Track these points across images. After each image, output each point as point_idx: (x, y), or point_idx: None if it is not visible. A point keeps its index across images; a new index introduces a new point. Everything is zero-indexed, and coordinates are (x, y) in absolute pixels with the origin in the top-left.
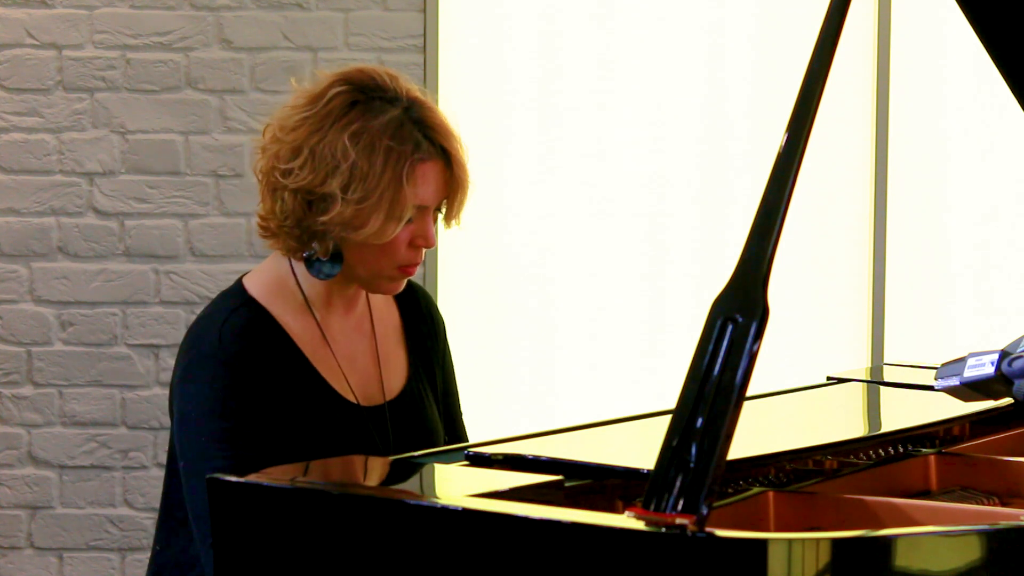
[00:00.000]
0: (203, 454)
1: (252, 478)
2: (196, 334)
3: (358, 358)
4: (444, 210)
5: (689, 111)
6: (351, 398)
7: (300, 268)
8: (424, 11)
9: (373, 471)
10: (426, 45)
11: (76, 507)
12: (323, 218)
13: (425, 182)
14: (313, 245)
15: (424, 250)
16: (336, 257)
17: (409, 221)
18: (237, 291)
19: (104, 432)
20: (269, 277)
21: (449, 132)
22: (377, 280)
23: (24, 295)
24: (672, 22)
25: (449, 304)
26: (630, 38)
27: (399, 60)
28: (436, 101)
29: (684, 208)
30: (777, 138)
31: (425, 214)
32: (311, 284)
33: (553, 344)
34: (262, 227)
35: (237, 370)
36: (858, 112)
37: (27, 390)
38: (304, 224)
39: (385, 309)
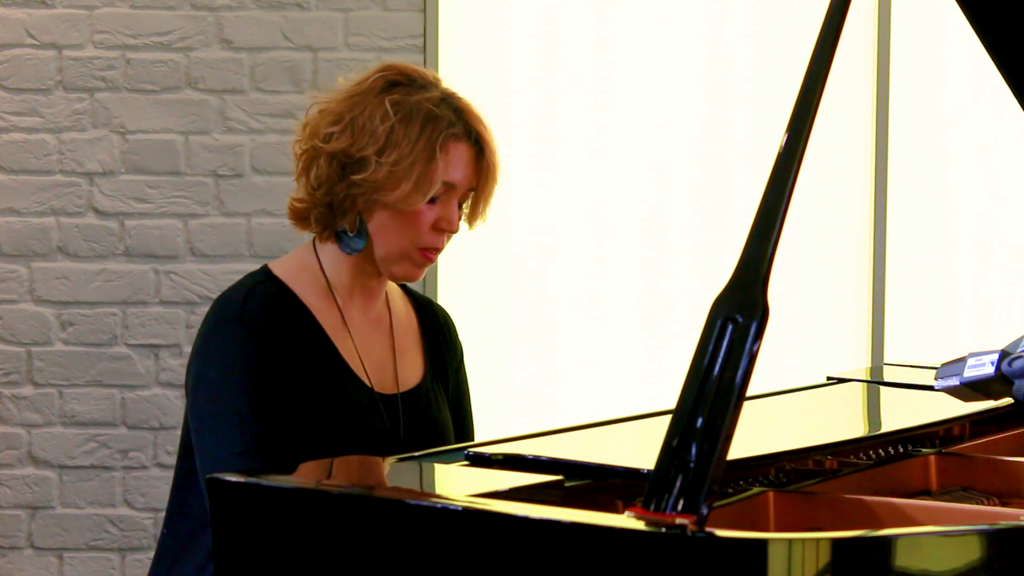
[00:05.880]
0: (220, 410)
1: (252, 478)
2: (221, 303)
3: (375, 348)
4: (471, 202)
5: (689, 111)
6: (367, 382)
7: (326, 257)
8: (424, 11)
9: (373, 471)
10: (426, 45)
11: (76, 507)
12: (357, 177)
13: (456, 158)
14: (341, 221)
15: (446, 237)
16: (362, 231)
17: (434, 201)
18: (262, 271)
19: (104, 432)
20: (294, 263)
21: (483, 120)
22: (398, 262)
23: (24, 295)
24: (672, 22)
25: (449, 304)
26: (630, 38)
27: (399, 60)
28: None
29: (684, 208)
30: (777, 138)
31: (451, 196)
32: (335, 272)
33: (553, 344)
34: (293, 210)
35: (261, 335)
36: (858, 112)
37: (27, 390)
38: (336, 190)
39: (404, 313)
